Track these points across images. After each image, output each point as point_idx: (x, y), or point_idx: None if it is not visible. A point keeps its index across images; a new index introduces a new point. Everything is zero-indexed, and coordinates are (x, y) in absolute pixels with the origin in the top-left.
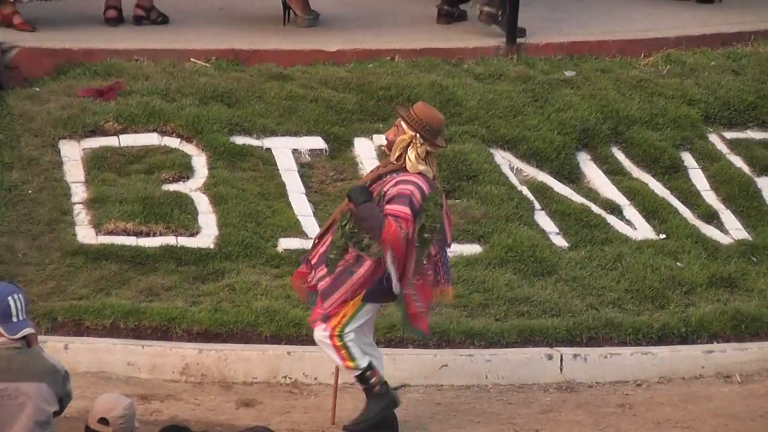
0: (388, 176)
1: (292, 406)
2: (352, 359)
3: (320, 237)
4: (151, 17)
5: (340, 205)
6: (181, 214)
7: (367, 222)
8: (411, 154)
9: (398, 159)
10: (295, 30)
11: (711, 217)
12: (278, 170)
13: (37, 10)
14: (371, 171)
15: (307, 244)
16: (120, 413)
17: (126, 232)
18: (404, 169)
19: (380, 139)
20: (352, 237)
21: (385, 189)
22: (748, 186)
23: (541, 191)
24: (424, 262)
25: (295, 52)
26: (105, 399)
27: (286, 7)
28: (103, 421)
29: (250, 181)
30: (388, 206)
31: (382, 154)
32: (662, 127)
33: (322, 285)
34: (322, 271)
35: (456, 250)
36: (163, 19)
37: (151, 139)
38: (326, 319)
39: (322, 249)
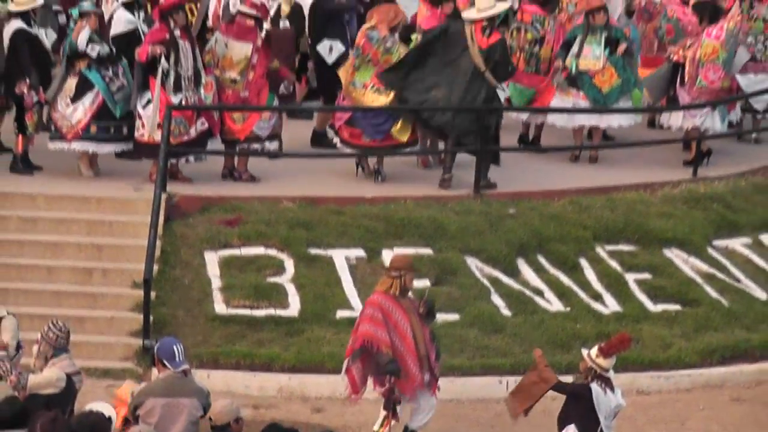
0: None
1: (345, 411)
2: None
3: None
4: (243, 177)
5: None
6: (278, 296)
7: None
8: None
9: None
10: (348, 183)
11: (597, 297)
12: (336, 269)
13: (192, 168)
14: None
15: (354, 315)
16: (232, 411)
17: (245, 307)
18: None
19: (398, 251)
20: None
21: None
22: (620, 278)
23: (495, 282)
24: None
25: (346, 198)
26: (221, 403)
27: (359, 165)
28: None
29: (319, 275)
30: None
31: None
32: (567, 242)
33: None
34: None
35: (445, 318)
36: (253, 179)
37: (259, 250)
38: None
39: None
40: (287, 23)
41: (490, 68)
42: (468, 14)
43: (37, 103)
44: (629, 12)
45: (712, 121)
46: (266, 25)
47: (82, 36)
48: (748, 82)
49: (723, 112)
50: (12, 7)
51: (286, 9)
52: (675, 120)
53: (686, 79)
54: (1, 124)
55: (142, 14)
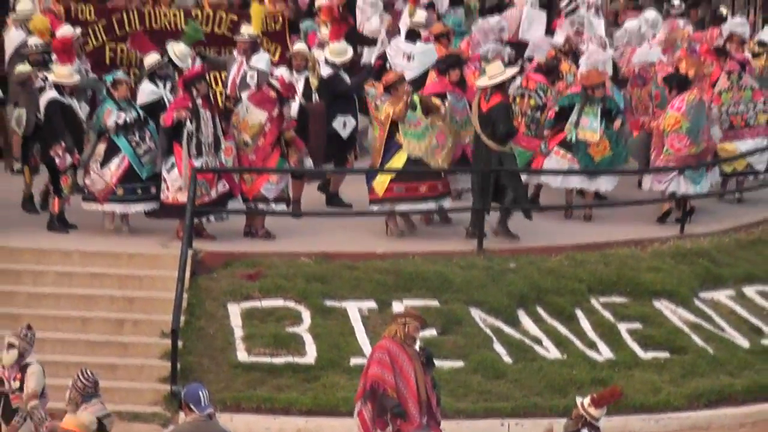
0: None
1: None
2: None
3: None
4: (259, 234)
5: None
6: (296, 344)
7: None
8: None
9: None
10: (360, 239)
11: (592, 345)
12: (350, 320)
13: (216, 226)
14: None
15: (364, 361)
16: None
17: (265, 355)
18: None
19: (408, 304)
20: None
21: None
22: (613, 328)
23: (497, 331)
24: None
25: (359, 253)
26: None
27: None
28: None
29: (334, 326)
30: None
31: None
32: (564, 294)
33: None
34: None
35: (451, 365)
36: (269, 236)
37: (278, 302)
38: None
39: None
40: (317, 96)
41: (490, 131)
42: (480, 82)
43: (71, 166)
44: (618, 80)
45: (678, 186)
46: (298, 100)
47: (110, 121)
48: (747, 147)
49: (696, 175)
50: (52, 78)
51: (314, 82)
52: (645, 183)
53: (652, 148)
54: (31, 185)
55: (168, 84)
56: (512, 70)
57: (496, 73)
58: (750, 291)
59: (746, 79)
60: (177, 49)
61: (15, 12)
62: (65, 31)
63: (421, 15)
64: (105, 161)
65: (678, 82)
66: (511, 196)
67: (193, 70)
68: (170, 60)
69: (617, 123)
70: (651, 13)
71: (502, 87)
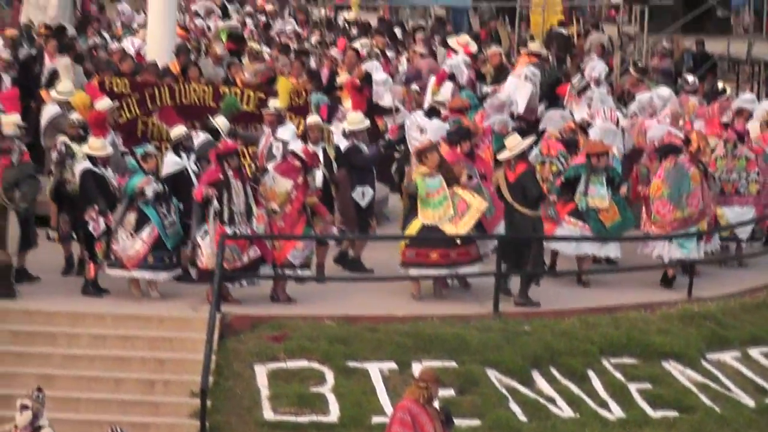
0: None
1: None
2: None
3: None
4: (281, 298)
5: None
6: (320, 404)
7: None
8: None
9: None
10: (381, 302)
11: (604, 405)
12: (371, 380)
13: (244, 291)
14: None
15: (388, 421)
16: None
17: (290, 413)
18: None
19: (426, 364)
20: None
21: None
22: (624, 388)
23: (512, 391)
24: None
25: (380, 316)
26: None
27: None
28: None
29: (356, 386)
30: None
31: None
32: (576, 356)
33: None
34: None
35: (468, 424)
36: (290, 300)
37: (303, 363)
38: None
39: None
40: (336, 167)
41: (521, 198)
42: (502, 155)
43: (105, 232)
44: (632, 150)
45: (663, 250)
46: (320, 171)
47: (149, 189)
48: (734, 214)
49: (684, 240)
50: (86, 150)
51: (331, 152)
52: (637, 248)
53: (642, 216)
54: (66, 253)
55: (192, 156)
56: (529, 140)
57: (515, 144)
58: (755, 352)
59: (741, 149)
60: (220, 122)
61: (56, 91)
62: (104, 103)
63: (444, 94)
64: (136, 230)
65: (663, 152)
66: (530, 264)
67: (227, 145)
68: (213, 130)
69: (623, 189)
70: (665, 90)
71: (524, 156)
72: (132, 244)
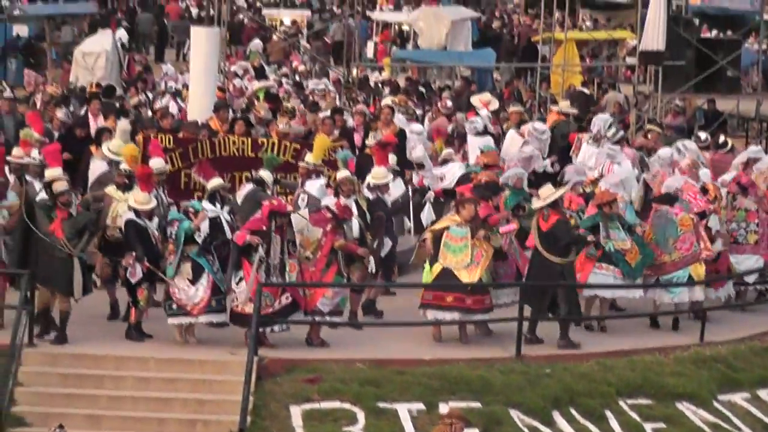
0: None
1: None
2: None
3: None
4: (314, 342)
5: None
6: None
7: None
8: None
9: None
10: (409, 347)
11: None
12: (400, 420)
13: (280, 335)
14: None
15: None
16: None
17: None
18: None
19: (452, 405)
20: None
21: None
22: (639, 427)
23: (534, 431)
24: None
25: (408, 360)
26: None
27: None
28: None
29: (386, 426)
30: None
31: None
32: (595, 397)
33: None
34: None
35: None
36: (323, 344)
37: (336, 404)
38: None
39: None
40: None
41: (552, 247)
42: (535, 204)
43: (145, 279)
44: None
45: (655, 294)
46: (357, 222)
47: (204, 225)
48: (736, 260)
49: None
50: (131, 203)
51: (363, 203)
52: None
53: None
54: (111, 296)
55: (226, 207)
56: (562, 190)
57: (548, 194)
58: (764, 394)
59: (741, 200)
60: (264, 175)
61: (107, 148)
62: (157, 164)
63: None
64: (194, 278)
65: (657, 201)
66: (566, 308)
67: (282, 206)
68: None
69: (639, 229)
70: (692, 144)
71: (556, 206)
72: (195, 292)
